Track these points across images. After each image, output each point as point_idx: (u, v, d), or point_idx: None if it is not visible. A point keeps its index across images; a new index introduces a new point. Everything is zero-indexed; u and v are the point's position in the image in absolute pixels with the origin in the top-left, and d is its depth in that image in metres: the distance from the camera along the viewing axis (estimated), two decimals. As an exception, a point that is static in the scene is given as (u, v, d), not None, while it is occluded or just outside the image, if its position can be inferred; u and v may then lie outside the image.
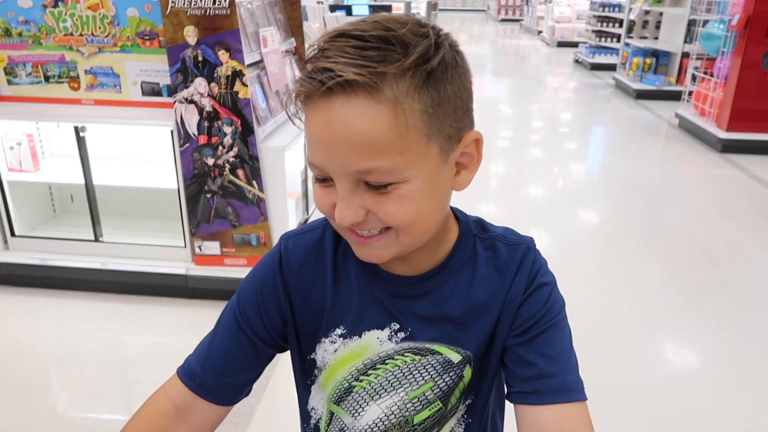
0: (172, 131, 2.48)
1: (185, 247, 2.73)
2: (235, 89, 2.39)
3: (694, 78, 6.55)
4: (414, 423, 0.69)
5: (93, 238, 2.79)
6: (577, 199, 4.39)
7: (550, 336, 0.67)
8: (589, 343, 2.44)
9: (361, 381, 0.70)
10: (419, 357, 0.68)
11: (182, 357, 2.64)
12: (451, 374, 0.68)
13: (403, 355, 0.68)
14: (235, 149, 2.49)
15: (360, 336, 0.70)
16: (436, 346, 0.68)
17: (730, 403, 2.18)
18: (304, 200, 3.14)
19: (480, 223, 0.74)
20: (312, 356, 0.73)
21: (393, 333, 0.69)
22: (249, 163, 2.52)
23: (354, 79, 0.53)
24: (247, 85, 2.39)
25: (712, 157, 5.39)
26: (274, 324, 0.72)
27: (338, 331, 0.70)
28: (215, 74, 2.37)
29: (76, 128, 2.58)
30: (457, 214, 0.73)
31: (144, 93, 2.52)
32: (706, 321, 2.74)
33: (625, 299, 2.93)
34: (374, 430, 0.70)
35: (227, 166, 2.52)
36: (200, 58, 2.35)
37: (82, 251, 2.79)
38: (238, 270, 2.71)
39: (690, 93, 6.47)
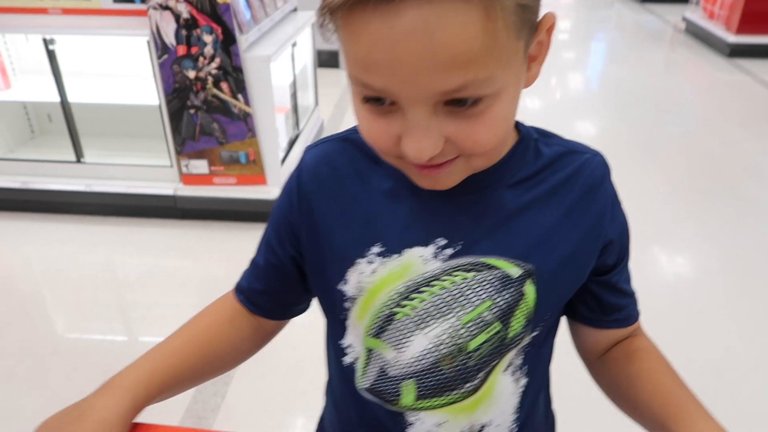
0: (148, 42, 2.30)
1: (171, 166, 2.61)
2: (212, -7, 2.19)
3: (704, -22, 6.18)
4: (468, 350, 0.59)
5: (75, 159, 2.67)
6: (576, 109, 4.23)
7: (628, 258, 0.67)
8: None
9: (403, 306, 0.59)
10: (472, 274, 0.58)
11: (175, 278, 2.57)
12: (510, 290, 0.58)
13: (451, 275, 0.58)
14: (218, 60, 2.32)
15: (400, 254, 0.59)
16: (491, 260, 0.58)
17: (732, 311, 2.16)
18: (294, 115, 2.99)
19: (540, 129, 0.64)
20: (340, 286, 0.62)
21: (439, 250, 0.58)
22: (233, 75, 2.36)
23: None
24: (225, -12, 2.19)
25: (720, 63, 5.18)
26: (298, 249, 0.66)
27: (375, 249, 0.59)
28: (190, -24, 2.17)
29: (44, 40, 2.39)
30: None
31: (115, 0, 2.32)
32: (710, 230, 2.69)
33: (627, 209, 2.86)
34: (422, 363, 0.59)
35: (210, 78, 2.36)
36: (172, -42, 2.13)
37: (64, 173, 2.68)
38: (227, 189, 2.61)
39: (699, -6, 6.14)
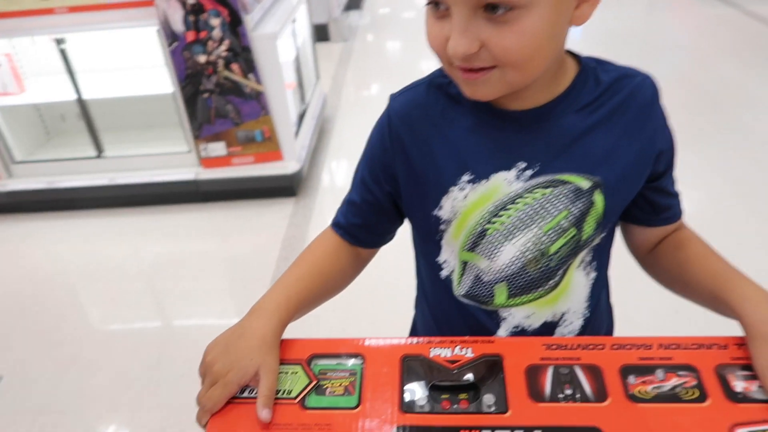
0: (158, 31, 2.35)
1: (190, 151, 2.69)
2: (215, -24, 2.24)
3: None
4: (550, 253, 0.70)
5: (96, 154, 2.74)
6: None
7: (674, 164, 0.76)
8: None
9: (493, 223, 0.70)
10: (550, 189, 0.68)
11: (207, 259, 2.69)
12: (583, 200, 0.68)
13: (532, 192, 0.68)
14: (227, 42, 2.38)
15: (487, 179, 0.69)
16: (565, 176, 0.68)
17: (741, 236, 2.28)
18: (300, 89, 3.06)
19: (597, 59, 0.73)
20: (436, 212, 0.72)
21: (520, 172, 0.69)
22: (242, 55, 2.42)
23: None
24: (228, -30, 2.24)
25: (705, -2, 5.22)
26: (393, 186, 0.76)
27: (465, 178, 0.70)
28: (192, -38, 2.21)
29: (57, 41, 2.44)
30: (573, 52, 0.72)
31: (118, -8, 2.36)
32: (713, 161, 2.80)
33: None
34: (511, 268, 0.71)
35: (220, 61, 2.42)
36: (173, -55, 2.18)
37: (87, 169, 2.75)
38: (246, 168, 2.70)
39: (678, -69, 6.12)
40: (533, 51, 0.59)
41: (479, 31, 0.57)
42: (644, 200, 0.75)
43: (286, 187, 2.76)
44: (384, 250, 0.86)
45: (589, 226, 0.70)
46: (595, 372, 0.62)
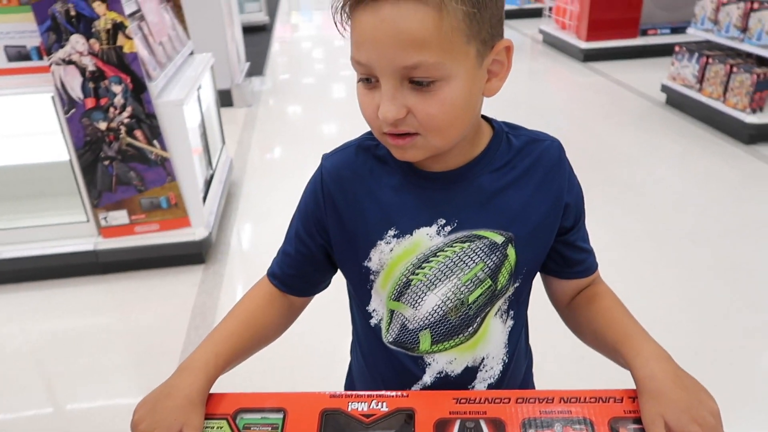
0: (53, 97, 2.26)
1: (88, 221, 2.55)
2: (118, 43, 2.21)
3: (551, -6, 6.93)
4: (469, 302, 0.76)
5: (-22, 227, 2.52)
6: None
7: (584, 223, 0.84)
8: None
9: (417, 274, 0.75)
10: (468, 244, 0.75)
11: (108, 334, 2.53)
12: (497, 253, 0.75)
13: (452, 246, 0.75)
14: (129, 109, 2.33)
15: (411, 234, 0.75)
16: (481, 232, 0.75)
17: (623, 283, 2.50)
18: (206, 155, 3.02)
19: (507, 123, 0.81)
20: (366, 263, 0.78)
21: (440, 228, 0.75)
22: (146, 122, 2.37)
23: None
24: (131, 38, 2.22)
25: (577, 67, 5.82)
26: (325, 238, 0.80)
27: (391, 232, 0.76)
28: (93, 29, 2.17)
29: (-66, 107, 2.27)
30: (486, 117, 0.79)
31: (10, 58, 2.26)
32: (597, 215, 3.06)
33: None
34: (434, 316, 0.76)
35: (123, 128, 2.36)
36: (73, 13, 2.13)
37: (-32, 244, 2.52)
38: (151, 236, 2.59)
39: (551, 9, 6.85)
40: (453, 118, 0.66)
41: (406, 99, 0.64)
42: (557, 254, 0.83)
43: (194, 254, 2.67)
44: (327, 298, 0.89)
45: (503, 278, 0.77)
46: (498, 426, 0.68)
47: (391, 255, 0.76)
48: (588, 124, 4.40)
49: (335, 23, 0.65)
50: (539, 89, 5.55)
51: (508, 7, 8.27)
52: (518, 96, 5.12)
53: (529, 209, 0.76)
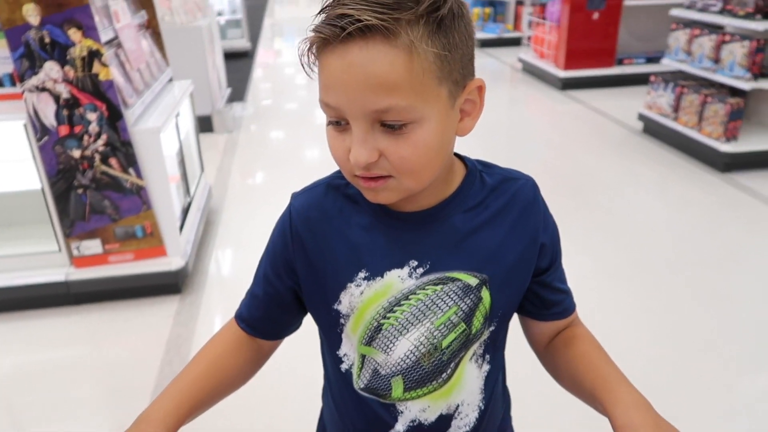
0: (25, 125, 2.21)
1: (60, 250, 2.48)
2: (94, 71, 2.18)
3: (530, 23, 7.06)
4: (442, 347, 0.73)
5: (-56, 258, 2.44)
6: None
7: (561, 262, 0.81)
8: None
9: (388, 318, 0.73)
10: (440, 287, 0.72)
11: (78, 369, 2.47)
12: (471, 296, 0.72)
13: (424, 289, 0.72)
14: (104, 137, 2.29)
15: (382, 276, 0.72)
16: (454, 274, 0.72)
17: (602, 311, 2.49)
18: (184, 182, 2.98)
19: (481, 161, 0.79)
20: (336, 306, 0.75)
21: (412, 270, 0.72)
22: (122, 150, 2.33)
23: (373, 23, 0.56)
24: (107, 66, 2.19)
25: (556, 95, 5.91)
26: (295, 280, 0.77)
27: (361, 275, 0.73)
28: (68, 56, 2.14)
29: None
30: (459, 155, 0.77)
31: (-18, 85, 2.21)
32: (577, 241, 3.07)
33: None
34: (406, 362, 0.73)
35: (97, 156, 2.32)
36: (47, 40, 2.10)
37: (-68, 275, 2.44)
38: (125, 266, 2.53)
39: (529, 38, 6.98)
40: (426, 160, 0.64)
41: (377, 142, 0.62)
42: (534, 295, 0.80)
43: (170, 284, 2.61)
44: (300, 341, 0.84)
45: (477, 321, 0.74)
46: None
47: (361, 298, 0.73)
48: (567, 151, 4.44)
49: (302, 65, 0.63)
50: (519, 116, 5.61)
51: (487, 36, 8.42)
52: (498, 123, 5.17)
53: (503, 250, 0.74)
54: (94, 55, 2.16)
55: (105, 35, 2.26)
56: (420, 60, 0.59)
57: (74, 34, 2.11)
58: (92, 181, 2.35)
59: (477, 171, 0.76)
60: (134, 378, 2.18)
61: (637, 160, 4.15)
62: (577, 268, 2.83)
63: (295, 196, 0.79)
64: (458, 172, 0.75)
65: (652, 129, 4.52)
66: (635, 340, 2.26)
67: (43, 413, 2.03)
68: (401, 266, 0.72)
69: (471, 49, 0.65)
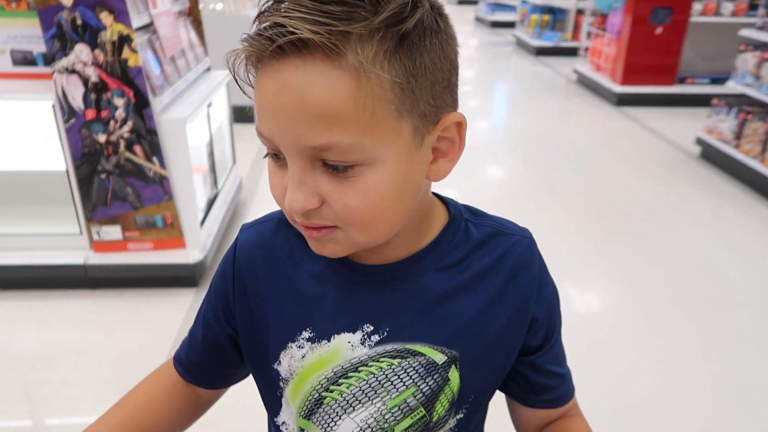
0: (53, 106, 2.20)
1: (81, 233, 2.47)
2: (123, 56, 2.15)
3: (588, 34, 6.80)
4: None
5: (-32, 231, 2.47)
6: (482, 155, 4.45)
7: (559, 339, 0.67)
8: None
9: (332, 391, 0.60)
10: (398, 360, 0.59)
11: (87, 352, 2.41)
12: (435, 377, 0.59)
13: (378, 361, 0.59)
14: (130, 123, 2.25)
15: (329, 340, 0.60)
16: (417, 346, 0.59)
17: (639, 345, 2.31)
18: (212, 174, 2.94)
19: (470, 208, 0.65)
20: (276, 366, 0.62)
21: (366, 336, 0.59)
22: (147, 137, 2.30)
23: (309, 38, 0.44)
24: (137, 52, 2.15)
25: (609, 111, 5.65)
26: (235, 327, 0.66)
27: (305, 334, 0.60)
28: (99, 40, 2.11)
29: (-66, 106, 2.23)
30: (443, 198, 0.64)
31: (15, 62, 2.21)
32: (614, 268, 2.88)
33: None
34: None
35: (122, 142, 2.28)
36: (79, 22, 2.08)
37: (-43, 247, 2.46)
38: (143, 255, 2.50)
39: (587, 49, 6.72)
40: (380, 210, 0.51)
41: (318, 185, 0.50)
42: (521, 377, 0.66)
43: (187, 277, 2.57)
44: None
45: (441, 407, 0.60)
46: None
47: (302, 362, 0.60)
48: (614, 171, 4.22)
49: (236, 82, 0.51)
50: (568, 129, 5.38)
51: (544, 44, 8.17)
52: (545, 135, 4.97)
53: (482, 321, 0.60)
54: (124, 40, 2.12)
55: (139, 20, 2.22)
56: (371, 87, 0.46)
57: (106, 17, 2.08)
58: (116, 167, 2.33)
59: (462, 220, 0.63)
60: (139, 369, 2.12)
61: (691, 187, 3.90)
62: (609, 296, 2.65)
63: (245, 229, 0.67)
64: (438, 219, 0.62)
65: (710, 155, 4.24)
66: (670, 384, 2.08)
67: (55, 393, 2.01)
68: (353, 330, 0.59)
69: (448, 73, 0.52)
